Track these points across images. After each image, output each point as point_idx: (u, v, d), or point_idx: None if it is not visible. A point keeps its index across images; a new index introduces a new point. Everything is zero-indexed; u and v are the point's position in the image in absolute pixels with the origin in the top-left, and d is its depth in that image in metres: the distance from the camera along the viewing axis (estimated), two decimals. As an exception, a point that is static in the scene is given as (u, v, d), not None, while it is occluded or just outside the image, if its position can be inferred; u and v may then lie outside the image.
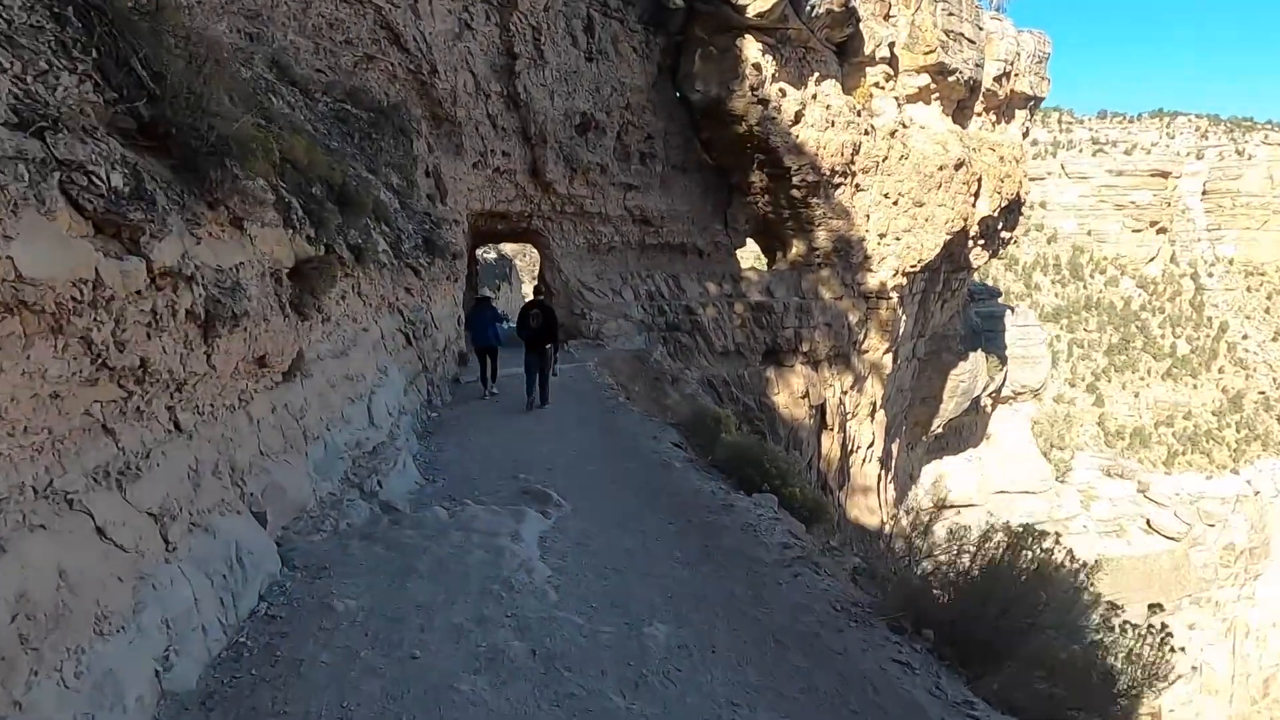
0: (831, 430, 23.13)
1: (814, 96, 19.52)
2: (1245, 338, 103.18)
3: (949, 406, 33.78)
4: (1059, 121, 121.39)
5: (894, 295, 22.59)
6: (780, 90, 18.72)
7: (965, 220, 23.31)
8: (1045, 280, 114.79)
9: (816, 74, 19.51)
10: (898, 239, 22.06)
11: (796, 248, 21.87)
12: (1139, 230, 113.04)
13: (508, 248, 55.89)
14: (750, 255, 27.87)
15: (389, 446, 6.15)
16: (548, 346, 9.54)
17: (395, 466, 5.79)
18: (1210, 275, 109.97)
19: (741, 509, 5.00)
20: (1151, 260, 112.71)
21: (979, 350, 33.05)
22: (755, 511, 4.91)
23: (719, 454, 6.84)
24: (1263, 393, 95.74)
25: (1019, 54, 24.25)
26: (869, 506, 25.56)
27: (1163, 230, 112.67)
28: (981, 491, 40.62)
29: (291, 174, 5.42)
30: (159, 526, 2.96)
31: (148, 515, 2.90)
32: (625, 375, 15.31)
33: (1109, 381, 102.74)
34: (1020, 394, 40.94)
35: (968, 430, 39.70)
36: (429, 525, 4.55)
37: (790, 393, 21.29)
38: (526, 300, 12.45)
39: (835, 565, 4.07)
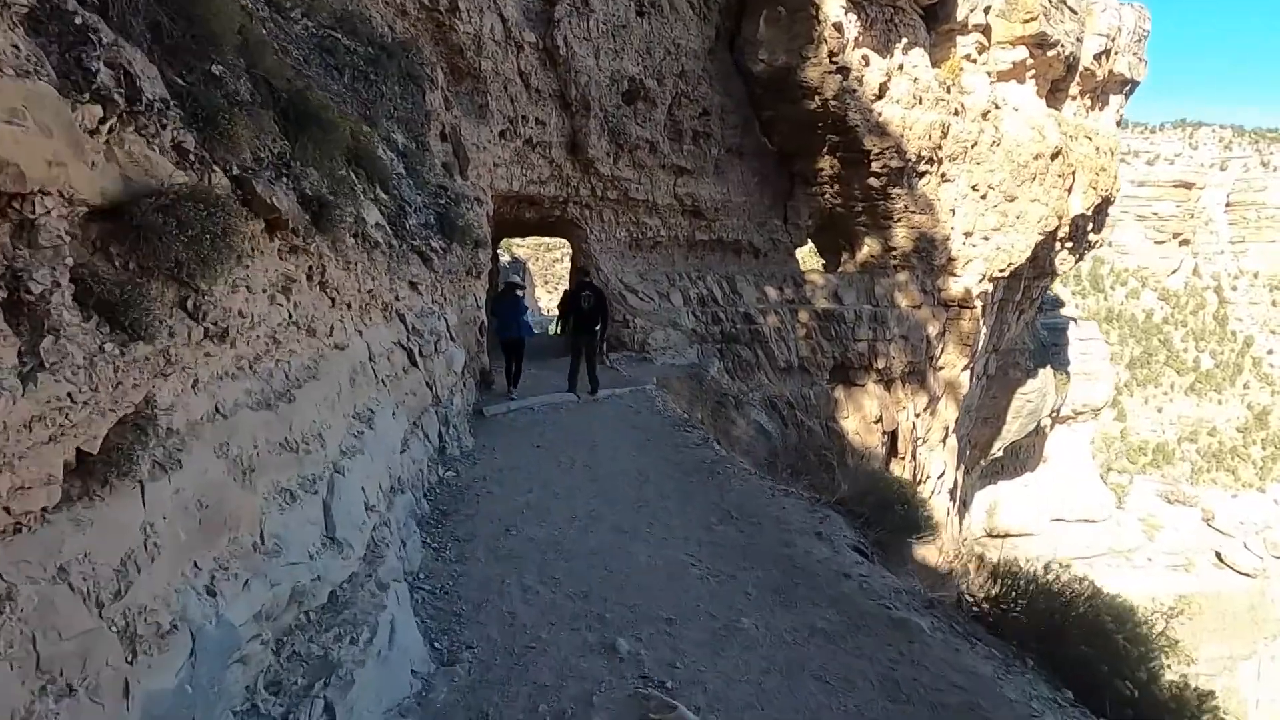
0: (902, 459, 19.96)
1: (900, 67, 16.45)
2: (1270, 352, 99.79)
3: (1012, 428, 30.50)
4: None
5: (978, 304, 19.43)
6: (863, 58, 15.66)
7: (1060, 218, 20.13)
8: (1065, 292, 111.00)
9: (904, 40, 16.44)
10: (986, 238, 18.91)
11: (869, 247, 18.76)
12: (1161, 242, 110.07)
13: (520, 249, 53.22)
14: (799, 257, 24.78)
15: (363, 585, 3.10)
16: (596, 329, 9.37)
17: (371, 642, 2.75)
18: (1234, 289, 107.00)
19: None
20: (1174, 272, 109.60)
21: (1047, 367, 29.76)
22: None
23: (989, 595, 3.73)
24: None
25: (1120, 29, 21.10)
26: (936, 544, 22.32)
27: (1185, 242, 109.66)
28: (1038, 520, 37.27)
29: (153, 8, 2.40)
30: None
31: None
32: (685, 398, 12.28)
33: (1131, 396, 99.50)
34: (1081, 413, 37.58)
35: (1025, 453, 36.38)
36: None
37: (862, 416, 18.15)
38: (572, 284, 10.59)
39: None
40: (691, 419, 9.14)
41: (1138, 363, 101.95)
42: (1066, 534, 38.36)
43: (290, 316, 3.43)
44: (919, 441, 20.63)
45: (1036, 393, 29.18)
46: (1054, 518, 38.15)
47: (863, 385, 18.22)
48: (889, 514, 5.11)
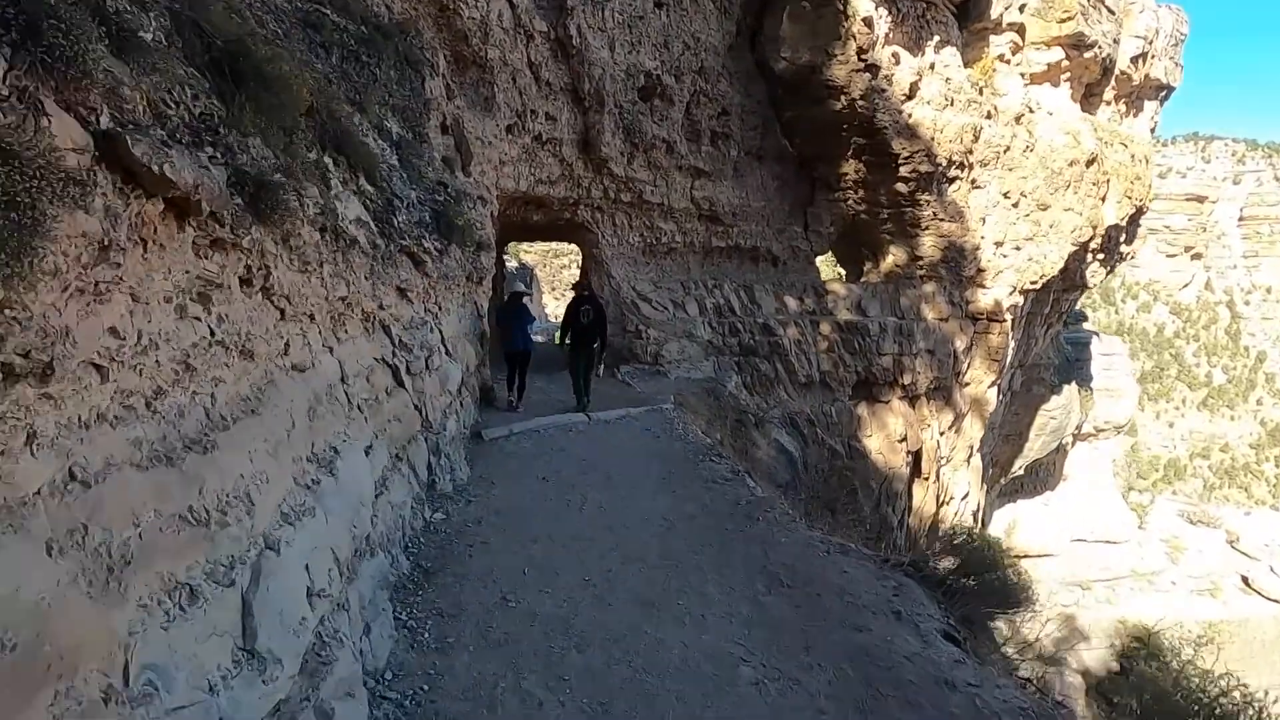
0: (926, 480, 18.96)
1: (931, 66, 15.55)
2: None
3: (1034, 446, 29.42)
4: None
5: (1008, 317, 18.44)
6: (893, 55, 14.77)
7: (1094, 228, 19.14)
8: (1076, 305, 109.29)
9: (936, 38, 15.55)
10: (1017, 248, 17.94)
11: (894, 256, 17.83)
12: (1173, 255, 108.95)
13: (527, 255, 52.48)
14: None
15: (296, 718, 2.21)
16: (595, 344, 9.26)
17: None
18: (1247, 303, 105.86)
19: None
20: (1186, 286, 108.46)
21: (1072, 383, 28.68)
22: None
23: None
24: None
25: (1158, 31, 20.18)
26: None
27: (1198, 256, 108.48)
28: (1058, 540, 36.06)
29: None
30: None
31: None
32: (703, 417, 11.35)
33: (1142, 410, 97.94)
34: (1102, 430, 36.42)
35: (1044, 471, 35.25)
36: None
37: (886, 435, 17.17)
38: (573, 297, 10.08)
39: None
40: (715, 443, 8.19)
41: (1149, 377, 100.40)
42: (1087, 555, 37.15)
43: (212, 334, 2.52)
44: (943, 461, 19.63)
45: (1061, 410, 28.11)
46: (1074, 538, 36.96)
47: (887, 402, 17.25)
48: (977, 580, 4.13)
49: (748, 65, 15.72)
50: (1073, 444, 35.77)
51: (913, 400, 17.79)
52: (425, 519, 4.80)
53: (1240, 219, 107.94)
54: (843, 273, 22.22)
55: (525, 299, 9.97)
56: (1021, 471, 31.24)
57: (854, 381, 16.79)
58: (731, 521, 5.03)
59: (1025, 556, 35.18)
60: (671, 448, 7.35)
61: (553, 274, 57.87)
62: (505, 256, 25.91)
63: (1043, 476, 35.02)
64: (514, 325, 9.33)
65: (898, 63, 14.82)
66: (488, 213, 9.58)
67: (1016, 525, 35.06)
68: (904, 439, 17.39)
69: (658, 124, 13.48)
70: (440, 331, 6.25)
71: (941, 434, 19.09)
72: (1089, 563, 36.97)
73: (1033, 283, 18.41)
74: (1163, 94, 21.92)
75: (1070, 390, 28.47)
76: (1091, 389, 33.02)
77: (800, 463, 14.12)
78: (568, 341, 9.76)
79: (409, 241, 5.68)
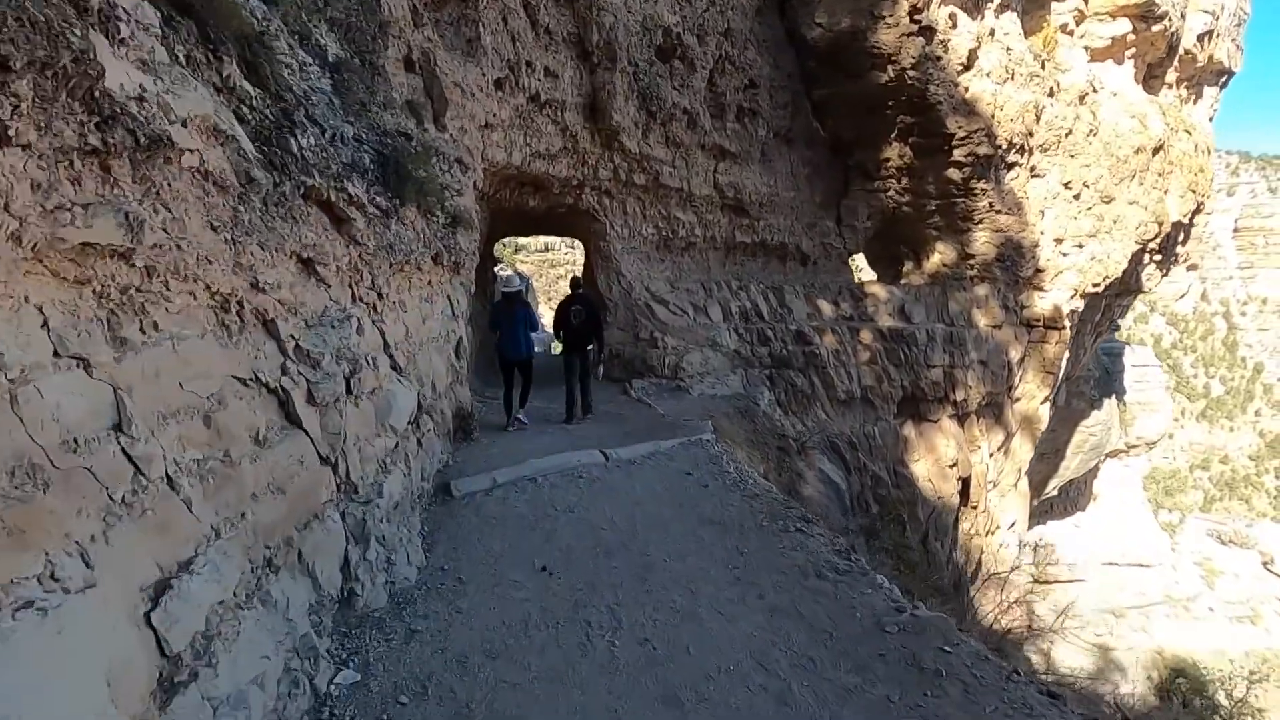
0: (974, 507, 16.70)
1: (991, 33, 13.44)
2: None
3: (1072, 464, 27.23)
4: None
5: (1067, 324, 16.26)
6: (950, 17, 12.65)
7: (1160, 224, 17.04)
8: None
9: (996, 1, 13.44)
10: (1079, 246, 15.79)
11: (941, 255, 15.63)
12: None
13: (524, 264, 50.24)
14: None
15: None
16: (589, 347, 8.24)
17: None
18: (1243, 314, 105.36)
19: None
20: (1182, 297, 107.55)
21: (1112, 397, 26.53)
22: None
23: None
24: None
25: (1223, 8, 18.19)
26: (1004, 604, 19.00)
27: (1194, 267, 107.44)
28: (1089, 564, 33.76)
29: None
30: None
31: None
32: (740, 445, 9.07)
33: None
34: (1135, 447, 34.26)
35: (1075, 490, 33.03)
36: None
37: (935, 459, 14.91)
38: (565, 296, 8.56)
39: None
40: (786, 495, 5.91)
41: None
42: (1119, 579, 34.89)
43: None
44: (990, 486, 17.38)
45: (1100, 426, 25.93)
46: (1105, 561, 34.70)
47: (936, 421, 15.01)
48: None
49: (777, 33, 13.59)
50: (1103, 461, 33.63)
51: (962, 419, 15.56)
52: (316, 694, 2.48)
53: (1235, 230, 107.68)
54: (871, 275, 20.04)
55: (523, 295, 7.76)
56: (1055, 492, 29.05)
57: (899, 398, 14.55)
58: (887, 678, 2.69)
59: (1055, 581, 32.91)
60: (729, 504, 5.04)
61: (549, 284, 55.63)
62: (498, 263, 23.52)
63: (1073, 496, 32.82)
64: (511, 328, 7.25)
65: (954, 26, 12.70)
66: (469, 181, 7.31)
67: (1048, 548, 32.80)
68: (954, 463, 15.14)
69: (678, 91, 11.27)
70: (381, 333, 3.95)
71: (991, 455, 16.87)
72: (1121, 587, 34.71)
73: (1095, 285, 16.25)
74: (1223, 79, 19.91)
75: (1110, 405, 26.33)
76: (1125, 403, 30.88)
77: (847, 496, 11.86)
78: (560, 348, 8.05)
79: (320, 182, 3.38)
